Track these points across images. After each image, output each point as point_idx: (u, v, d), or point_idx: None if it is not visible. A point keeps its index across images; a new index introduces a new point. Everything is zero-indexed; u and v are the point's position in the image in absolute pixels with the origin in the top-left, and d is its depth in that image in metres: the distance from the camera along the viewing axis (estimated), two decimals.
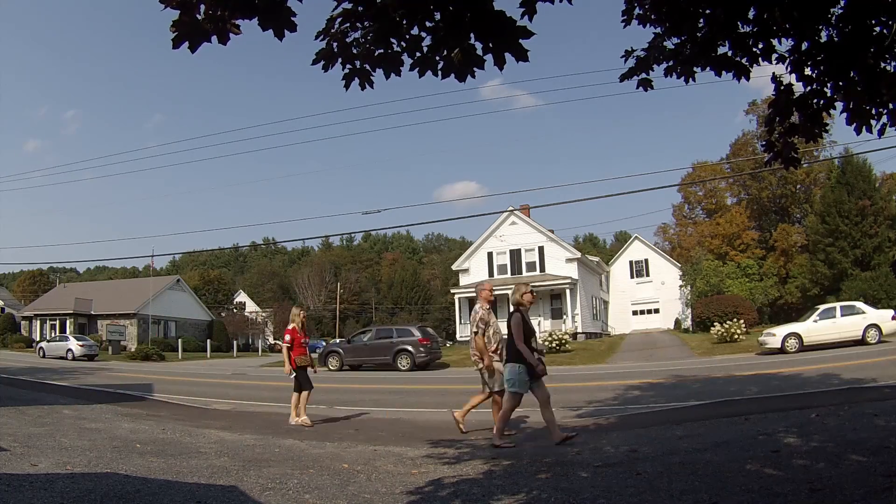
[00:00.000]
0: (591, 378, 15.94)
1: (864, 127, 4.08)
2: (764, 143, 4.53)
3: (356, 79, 3.09)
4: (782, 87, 4.15)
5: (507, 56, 2.84)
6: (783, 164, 4.50)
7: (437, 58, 2.92)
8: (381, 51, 2.97)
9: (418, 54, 2.93)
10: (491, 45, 2.82)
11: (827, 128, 4.40)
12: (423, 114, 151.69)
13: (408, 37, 2.90)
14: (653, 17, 4.01)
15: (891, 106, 4.08)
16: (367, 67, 3.05)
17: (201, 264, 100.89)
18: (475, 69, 2.89)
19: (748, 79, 4.02)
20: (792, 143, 4.39)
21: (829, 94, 4.07)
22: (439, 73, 2.94)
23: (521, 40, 2.80)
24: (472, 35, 2.80)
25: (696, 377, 13.90)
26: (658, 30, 4.09)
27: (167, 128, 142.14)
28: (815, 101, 4.11)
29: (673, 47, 4.05)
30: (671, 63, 4.12)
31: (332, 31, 2.92)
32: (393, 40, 2.92)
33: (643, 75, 4.28)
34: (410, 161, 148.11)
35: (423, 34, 2.88)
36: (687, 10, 3.79)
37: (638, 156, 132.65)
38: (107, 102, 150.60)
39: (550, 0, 3.15)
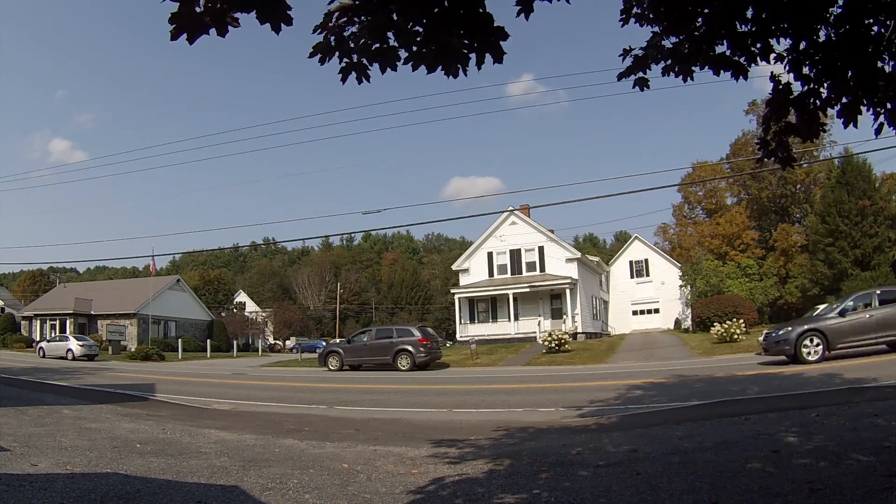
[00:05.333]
0: (592, 378, 15.95)
1: (851, 121, 4.08)
2: (759, 141, 4.53)
3: (353, 73, 3.10)
4: (780, 86, 4.15)
5: (488, 57, 2.88)
6: (778, 164, 4.49)
7: (428, 52, 2.94)
8: (378, 45, 2.98)
9: (414, 48, 2.95)
10: (475, 44, 2.85)
11: (824, 127, 4.40)
12: (424, 114, 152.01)
13: (403, 31, 2.91)
14: (651, 15, 4.01)
15: (889, 105, 4.07)
16: (364, 61, 3.07)
17: (201, 264, 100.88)
18: (464, 67, 2.92)
19: (746, 78, 4.02)
20: (786, 142, 4.38)
21: (826, 94, 4.07)
22: (426, 67, 2.96)
23: (500, 42, 2.83)
24: (462, 32, 2.82)
25: (697, 377, 13.89)
26: (656, 29, 4.09)
27: (167, 128, 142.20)
28: (812, 100, 4.11)
29: (671, 46, 4.05)
30: (669, 62, 4.12)
31: (330, 24, 2.94)
32: (389, 34, 2.94)
33: (640, 74, 4.28)
34: (411, 161, 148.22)
35: (418, 29, 2.90)
36: (685, 9, 3.79)
37: (638, 156, 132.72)
38: (106, 103, 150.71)
39: None
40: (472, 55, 2.89)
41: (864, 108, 4.04)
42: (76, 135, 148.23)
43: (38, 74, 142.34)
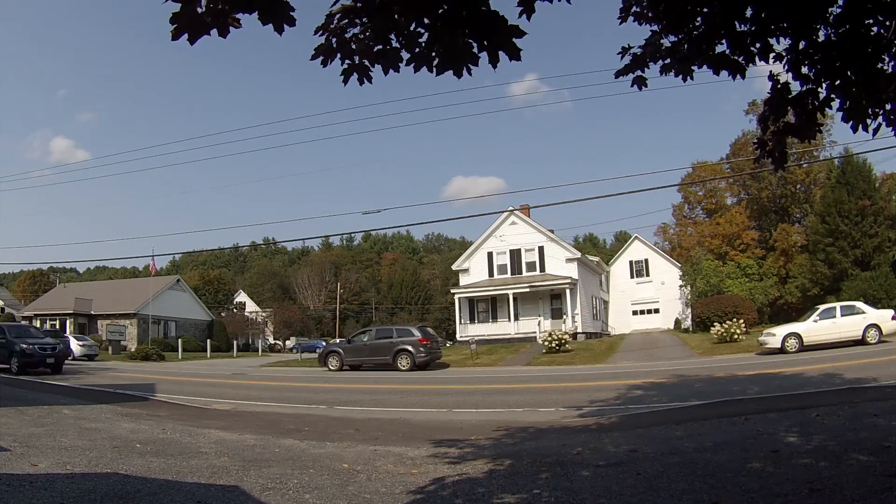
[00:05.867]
0: (592, 378, 15.94)
1: (860, 125, 4.06)
2: (756, 141, 4.51)
3: (355, 74, 3.10)
4: (779, 86, 4.14)
5: (502, 55, 2.86)
6: (772, 164, 4.47)
7: (434, 54, 2.93)
8: (380, 47, 2.98)
9: (417, 50, 2.94)
10: (485, 43, 2.83)
11: (821, 128, 4.39)
12: (424, 114, 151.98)
13: (405, 33, 2.91)
14: (650, 14, 3.99)
15: (887, 107, 4.06)
16: (366, 63, 3.06)
17: (201, 264, 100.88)
18: (471, 67, 2.92)
19: (744, 77, 4.01)
20: (783, 143, 4.37)
21: (824, 94, 4.07)
22: (434, 69, 2.95)
23: (514, 39, 2.82)
24: (466, 32, 2.82)
25: (697, 377, 13.90)
26: (655, 27, 4.08)
27: (167, 128, 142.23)
28: (810, 100, 4.10)
29: (670, 45, 4.04)
30: (668, 61, 4.11)
31: (332, 26, 2.93)
32: (391, 36, 2.93)
33: (638, 73, 4.26)
34: (411, 161, 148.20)
35: (421, 30, 2.89)
36: (684, 8, 3.78)
37: (638, 156, 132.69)
38: (106, 103, 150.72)
39: None
40: (483, 54, 2.87)
41: (863, 106, 4.03)
42: (77, 134, 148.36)
43: (38, 73, 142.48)
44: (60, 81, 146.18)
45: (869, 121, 4.07)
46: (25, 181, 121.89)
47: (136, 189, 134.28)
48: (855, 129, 4.06)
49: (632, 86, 4.30)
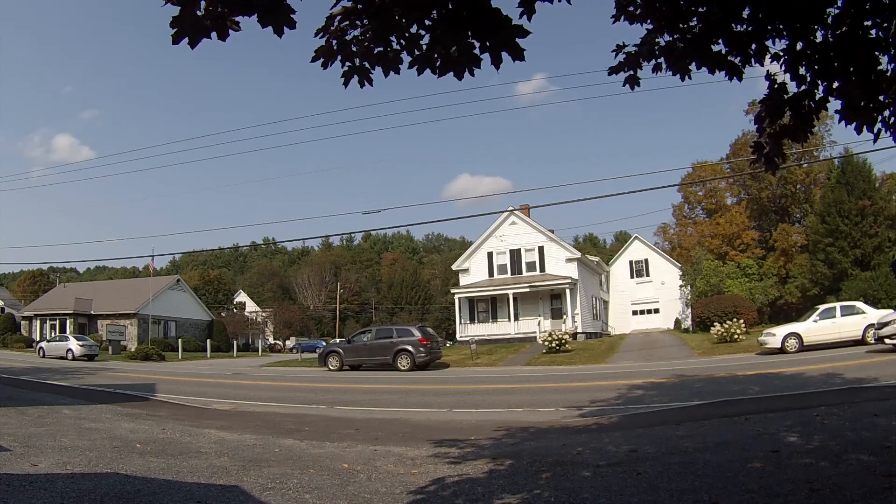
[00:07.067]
0: (592, 378, 15.94)
1: (864, 126, 4.05)
2: (753, 144, 4.50)
3: (355, 76, 3.09)
4: (776, 86, 4.13)
5: (505, 55, 2.85)
6: (771, 167, 4.45)
7: (435, 56, 2.92)
8: (381, 49, 2.97)
9: (417, 52, 2.94)
10: (488, 43, 2.82)
11: (818, 129, 4.38)
12: (424, 114, 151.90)
13: (407, 35, 2.90)
14: (645, 14, 3.96)
15: (886, 112, 4.05)
16: (367, 65, 3.06)
17: (201, 264, 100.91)
18: (473, 68, 2.91)
19: (740, 79, 3.98)
20: (779, 144, 4.35)
21: (820, 95, 4.05)
22: (437, 70, 2.94)
23: (517, 39, 2.81)
24: (469, 33, 2.81)
25: (697, 377, 13.90)
26: (650, 26, 4.06)
27: (167, 127, 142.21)
28: (807, 101, 4.09)
29: (664, 44, 4.02)
30: (662, 60, 4.09)
31: (332, 28, 2.93)
32: (392, 38, 2.92)
33: (631, 72, 4.24)
34: (411, 161, 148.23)
35: (422, 32, 2.88)
36: (680, 8, 3.77)
37: (638, 156, 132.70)
38: (106, 102, 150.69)
39: None
40: (486, 55, 2.86)
41: (868, 107, 4.01)
42: (78, 132, 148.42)
43: (41, 71, 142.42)
44: (65, 78, 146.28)
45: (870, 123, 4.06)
46: (26, 180, 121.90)
47: (137, 189, 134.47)
48: (859, 131, 4.04)
49: (623, 85, 4.28)
